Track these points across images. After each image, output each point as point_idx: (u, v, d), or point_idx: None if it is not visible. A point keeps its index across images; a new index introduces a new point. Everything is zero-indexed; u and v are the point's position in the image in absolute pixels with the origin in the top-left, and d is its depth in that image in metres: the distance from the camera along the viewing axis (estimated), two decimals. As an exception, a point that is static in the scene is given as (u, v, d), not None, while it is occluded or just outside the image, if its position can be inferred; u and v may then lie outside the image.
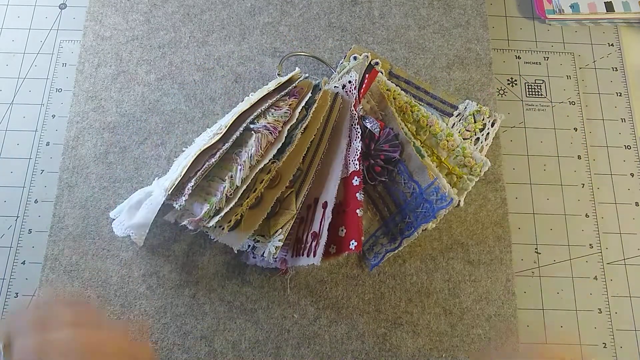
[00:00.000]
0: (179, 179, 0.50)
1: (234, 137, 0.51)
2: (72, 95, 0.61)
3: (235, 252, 0.54)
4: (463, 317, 0.55)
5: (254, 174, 0.50)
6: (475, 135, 0.59)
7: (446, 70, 0.64)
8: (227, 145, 0.50)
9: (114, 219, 0.55)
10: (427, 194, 0.53)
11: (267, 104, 0.53)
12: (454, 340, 0.54)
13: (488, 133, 0.59)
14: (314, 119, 0.54)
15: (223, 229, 0.50)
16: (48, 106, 0.62)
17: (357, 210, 0.50)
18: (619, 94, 0.65)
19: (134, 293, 0.54)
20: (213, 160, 0.50)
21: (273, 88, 0.54)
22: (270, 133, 0.51)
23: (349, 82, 0.57)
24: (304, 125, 0.53)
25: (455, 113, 0.60)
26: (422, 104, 0.60)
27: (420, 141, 0.57)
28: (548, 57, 0.67)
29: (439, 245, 0.57)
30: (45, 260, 0.55)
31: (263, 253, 0.52)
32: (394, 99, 0.58)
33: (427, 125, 0.57)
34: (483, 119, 0.59)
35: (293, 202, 0.52)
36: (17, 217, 0.58)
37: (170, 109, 0.61)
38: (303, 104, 0.54)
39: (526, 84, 0.65)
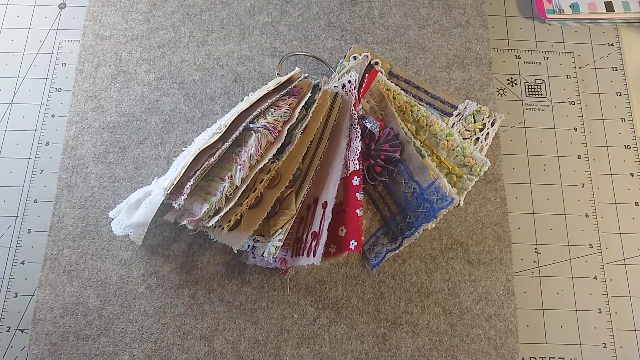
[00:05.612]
0: (178, 178, 0.50)
1: (234, 136, 0.51)
2: (71, 95, 0.61)
3: (235, 252, 0.53)
4: (463, 317, 0.55)
5: (253, 174, 0.50)
6: (475, 135, 0.59)
7: (446, 70, 0.64)
8: (226, 144, 0.50)
9: (113, 219, 0.55)
10: (427, 193, 0.53)
11: (267, 104, 0.53)
12: (453, 340, 0.54)
13: (488, 133, 0.59)
14: (314, 119, 0.54)
15: (223, 228, 0.50)
16: (48, 106, 0.62)
17: (357, 210, 0.50)
18: (619, 94, 0.65)
19: (134, 293, 0.54)
20: (212, 159, 0.50)
21: (273, 87, 0.54)
22: (270, 133, 0.51)
23: (349, 81, 0.56)
24: (304, 125, 0.53)
25: (455, 113, 0.60)
26: (422, 103, 0.60)
27: (420, 141, 0.57)
28: (548, 57, 0.67)
29: (439, 245, 0.57)
30: (44, 260, 0.55)
31: (263, 253, 0.51)
32: (393, 98, 0.58)
33: (426, 125, 0.57)
34: (483, 119, 0.59)
35: (293, 202, 0.52)
36: (17, 216, 0.58)
37: (170, 108, 0.61)
38: (303, 103, 0.54)
39: (526, 84, 0.65)
